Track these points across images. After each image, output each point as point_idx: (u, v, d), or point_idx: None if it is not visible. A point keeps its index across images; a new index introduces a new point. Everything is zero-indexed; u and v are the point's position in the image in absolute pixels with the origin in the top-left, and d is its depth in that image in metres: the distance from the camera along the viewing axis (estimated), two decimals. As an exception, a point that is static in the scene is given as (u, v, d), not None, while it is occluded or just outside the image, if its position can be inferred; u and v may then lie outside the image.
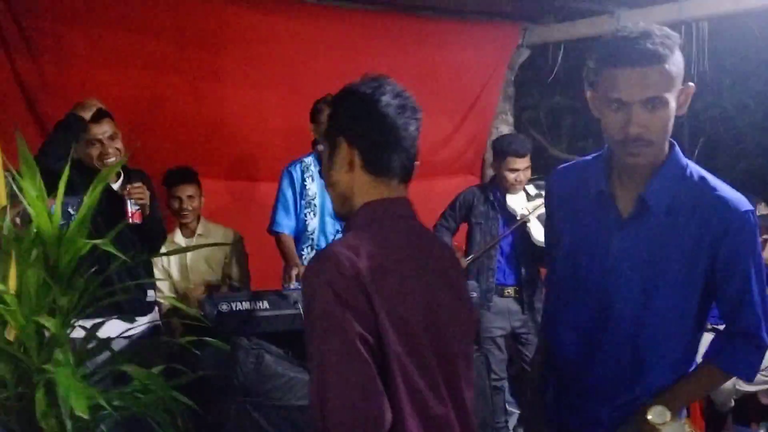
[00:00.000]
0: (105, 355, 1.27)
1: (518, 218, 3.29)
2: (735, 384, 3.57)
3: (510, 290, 3.40)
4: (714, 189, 1.52)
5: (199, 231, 3.41)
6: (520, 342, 3.46)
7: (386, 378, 1.15)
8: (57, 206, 1.05)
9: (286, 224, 3.14)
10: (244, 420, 2.27)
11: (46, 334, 1.08)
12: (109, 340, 1.13)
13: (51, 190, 1.08)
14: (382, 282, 1.18)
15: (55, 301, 1.08)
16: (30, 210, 1.03)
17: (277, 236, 3.14)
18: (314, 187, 3.13)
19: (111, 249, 1.02)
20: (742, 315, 1.52)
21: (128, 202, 2.63)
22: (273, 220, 3.17)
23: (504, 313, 3.41)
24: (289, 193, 3.16)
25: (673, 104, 1.45)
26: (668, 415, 1.51)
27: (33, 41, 3.61)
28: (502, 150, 3.36)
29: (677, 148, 1.56)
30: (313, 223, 3.13)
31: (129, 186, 2.66)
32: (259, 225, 3.77)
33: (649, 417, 1.51)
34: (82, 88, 3.72)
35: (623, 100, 1.42)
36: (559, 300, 1.71)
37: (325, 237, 3.16)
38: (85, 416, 0.89)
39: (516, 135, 3.64)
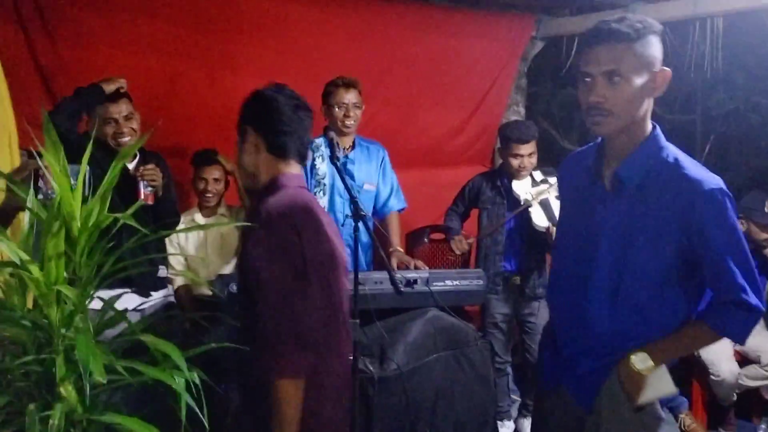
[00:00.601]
0: (120, 327, 1.31)
1: (522, 203, 3.32)
2: (737, 378, 3.60)
3: (516, 278, 3.43)
4: (683, 168, 1.64)
5: (221, 211, 3.47)
6: (524, 330, 3.49)
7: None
8: (79, 181, 1.10)
9: None
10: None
11: (66, 303, 1.13)
12: (125, 311, 1.18)
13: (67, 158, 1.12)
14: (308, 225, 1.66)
15: (75, 272, 1.14)
16: (54, 184, 1.07)
17: None
18: (324, 167, 3.16)
19: (132, 222, 1.07)
20: (722, 285, 1.62)
21: (141, 183, 2.68)
22: None
23: (509, 299, 3.45)
24: None
25: (637, 82, 1.57)
26: (649, 361, 1.62)
27: (51, 24, 3.66)
28: (506, 136, 3.40)
29: (658, 130, 1.69)
30: (322, 202, 3.14)
31: (142, 167, 2.71)
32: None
33: (632, 361, 1.62)
34: (99, 72, 3.76)
35: (588, 72, 1.59)
36: (555, 267, 1.91)
37: (335, 216, 3.17)
38: (103, 380, 0.94)
39: (520, 121, 3.64)
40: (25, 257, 1.06)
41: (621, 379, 1.66)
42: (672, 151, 1.69)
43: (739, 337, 1.69)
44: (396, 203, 3.34)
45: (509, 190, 3.41)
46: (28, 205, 1.12)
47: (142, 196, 2.62)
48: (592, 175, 1.75)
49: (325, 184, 3.17)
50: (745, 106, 5.94)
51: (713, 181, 1.61)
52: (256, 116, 1.81)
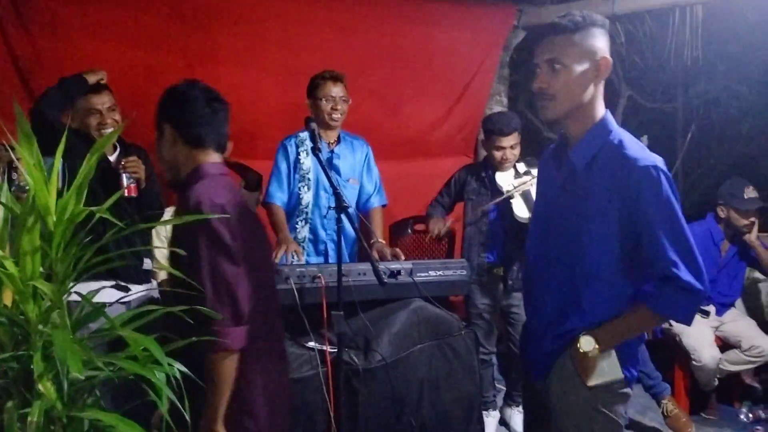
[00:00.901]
0: (100, 322, 1.29)
1: (504, 194, 3.32)
2: (719, 363, 3.65)
3: (499, 269, 3.44)
4: (623, 148, 1.72)
5: None
6: (508, 321, 3.50)
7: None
8: (54, 173, 1.08)
9: (278, 196, 3.14)
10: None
11: (43, 298, 1.11)
12: (104, 305, 1.17)
13: (45, 151, 1.11)
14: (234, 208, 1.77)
15: (51, 267, 1.12)
16: (27, 178, 1.05)
17: (268, 207, 3.14)
18: (308, 161, 3.13)
19: (107, 216, 1.05)
20: (656, 259, 1.68)
21: (123, 175, 2.66)
22: (267, 192, 3.18)
23: (491, 290, 3.46)
24: (283, 166, 3.16)
25: (577, 69, 1.71)
26: (594, 344, 1.71)
27: (27, 16, 3.60)
28: (489, 129, 3.40)
29: (608, 115, 1.81)
30: (307, 197, 3.13)
31: (124, 160, 2.70)
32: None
33: (579, 343, 1.72)
34: (76, 64, 3.71)
35: (534, 61, 1.75)
36: (526, 255, 2.01)
37: (320, 210, 3.15)
38: (81, 376, 0.92)
39: (503, 113, 3.62)
40: (0, 253, 1.04)
41: (572, 360, 1.76)
42: (619, 134, 1.78)
43: (682, 318, 1.73)
44: (378, 200, 3.35)
45: (493, 181, 3.41)
46: (1, 199, 1.09)
47: (125, 188, 2.61)
48: (557, 162, 1.87)
49: (309, 179, 3.14)
50: (726, 94, 5.98)
51: (650, 158, 1.70)
52: (171, 111, 1.89)
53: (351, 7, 4.30)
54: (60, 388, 1.11)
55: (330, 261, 3.13)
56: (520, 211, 3.28)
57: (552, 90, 1.72)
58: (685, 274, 1.65)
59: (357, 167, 3.28)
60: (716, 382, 3.74)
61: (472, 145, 5.08)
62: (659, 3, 4.12)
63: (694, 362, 3.64)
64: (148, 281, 2.86)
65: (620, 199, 1.69)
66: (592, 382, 1.73)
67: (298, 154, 3.15)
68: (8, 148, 1.15)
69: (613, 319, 1.74)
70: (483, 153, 5.02)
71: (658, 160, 1.71)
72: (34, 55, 3.66)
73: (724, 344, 3.78)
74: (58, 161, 1.11)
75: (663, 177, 1.68)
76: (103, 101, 2.79)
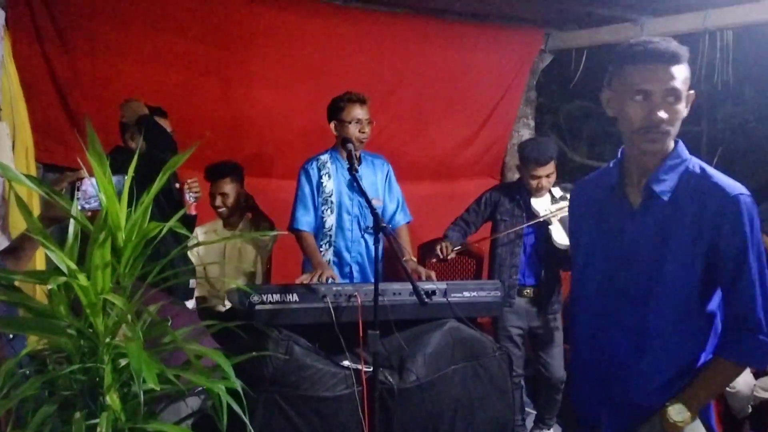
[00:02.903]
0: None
1: (541, 218, 3.32)
2: (752, 390, 3.59)
3: (529, 290, 3.44)
4: (711, 177, 1.65)
5: (241, 226, 3.49)
6: (537, 344, 3.49)
7: None
8: (125, 192, 1.11)
9: (306, 221, 3.11)
10: (272, 409, 2.32)
11: (110, 312, 1.14)
12: (167, 320, 1.19)
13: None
14: None
15: (119, 282, 1.15)
16: (101, 196, 1.09)
17: (297, 234, 3.11)
18: (331, 184, 3.13)
19: (182, 230, 1.09)
20: (737, 294, 1.60)
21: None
22: (293, 218, 3.14)
23: (522, 313, 3.45)
24: (307, 190, 3.13)
25: (684, 102, 1.61)
26: (687, 413, 1.60)
27: (66, 37, 3.71)
28: (525, 156, 3.39)
29: (681, 143, 1.71)
30: (330, 219, 3.12)
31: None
32: (276, 222, 3.84)
33: (669, 413, 1.61)
34: (113, 84, 3.82)
35: (649, 90, 1.58)
36: (580, 293, 1.86)
37: (343, 234, 3.15)
38: (157, 387, 0.95)
39: (539, 141, 3.57)
40: (73, 266, 1.08)
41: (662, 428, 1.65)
42: (695, 161, 1.71)
43: (761, 363, 1.69)
44: (402, 217, 3.31)
45: (528, 205, 3.41)
46: (74, 214, 1.13)
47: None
48: (617, 193, 1.75)
49: (332, 202, 3.12)
50: (754, 118, 5.96)
51: (739, 188, 1.63)
52: None
53: (380, 31, 4.37)
54: (124, 400, 1.14)
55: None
56: (559, 237, 3.27)
57: (667, 124, 1.60)
58: (761, 316, 1.58)
59: (379, 187, 3.26)
60: (750, 410, 3.68)
61: (498, 167, 5.11)
62: (688, 28, 4.13)
63: (727, 389, 3.59)
64: (192, 297, 2.91)
65: (713, 230, 1.60)
66: None
67: (320, 177, 3.14)
68: (73, 169, 1.20)
69: (694, 380, 1.65)
70: (509, 175, 5.05)
71: (745, 189, 1.63)
72: (74, 77, 3.76)
73: (758, 370, 3.72)
74: (128, 180, 1.14)
75: (752, 207, 1.61)
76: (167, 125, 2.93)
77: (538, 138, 4.41)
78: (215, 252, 3.45)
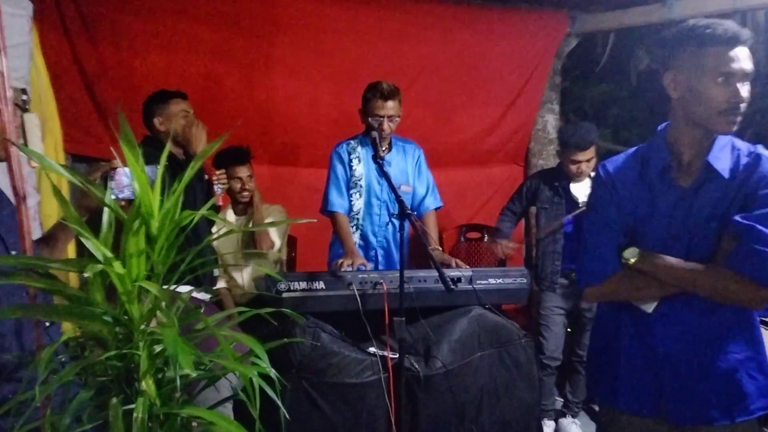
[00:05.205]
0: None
1: (580, 205, 3.31)
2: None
3: (574, 274, 3.42)
4: (756, 149, 1.71)
5: (250, 211, 3.50)
6: (580, 325, 3.51)
7: None
8: (158, 181, 1.13)
9: (339, 203, 3.12)
10: (300, 396, 2.35)
11: (144, 299, 1.16)
12: (200, 306, 1.21)
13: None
14: None
15: (153, 269, 1.16)
16: (134, 185, 1.10)
17: (332, 216, 3.12)
18: (360, 168, 3.14)
19: (216, 217, 1.10)
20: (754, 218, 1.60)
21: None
22: (326, 200, 3.15)
23: (567, 295, 3.47)
24: (340, 172, 3.14)
25: None
26: (639, 257, 1.71)
27: (92, 28, 3.75)
28: (565, 141, 3.36)
29: None
30: (358, 203, 3.14)
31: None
32: (301, 209, 3.85)
33: (624, 253, 1.73)
34: (138, 74, 3.86)
35: (732, 72, 1.60)
36: None
37: (370, 218, 3.16)
38: (193, 373, 0.96)
39: (580, 125, 3.48)
40: (109, 254, 1.09)
41: None
42: (737, 141, 1.75)
43: (752, 272, 1.62)
44: (432, 202, 3.29)
45: (567, 190, 3.40)
46: (108, 203, 1.14)
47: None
48: (668, 174, 1.75)
49: (361, 186, 3.14)
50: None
51: None
52: None
53: (404, 18, 4.34)
54: (159, 386, 1.15)
55: (380, 268, 3.15)
56: None
57: (744, 105, 1.63)
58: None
59: (409, 172, 3.25)
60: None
61: (523, 152, 5.07)
62: (717, 8, 4.05)
63: None
64: (215, 285, 2.95)
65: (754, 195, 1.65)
66: None
67: (350, 161, 3.16)
68: (102, 159, 1.22)
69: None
70: (535, 161, 5.01)
71: None
72: (101, 68, 3.79)
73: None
74: (161, 169, 1.16)
75: None
76: (188, 107, 2.90)
77: (578, 122, 4.35)
78: (230, 242, 3.47)
